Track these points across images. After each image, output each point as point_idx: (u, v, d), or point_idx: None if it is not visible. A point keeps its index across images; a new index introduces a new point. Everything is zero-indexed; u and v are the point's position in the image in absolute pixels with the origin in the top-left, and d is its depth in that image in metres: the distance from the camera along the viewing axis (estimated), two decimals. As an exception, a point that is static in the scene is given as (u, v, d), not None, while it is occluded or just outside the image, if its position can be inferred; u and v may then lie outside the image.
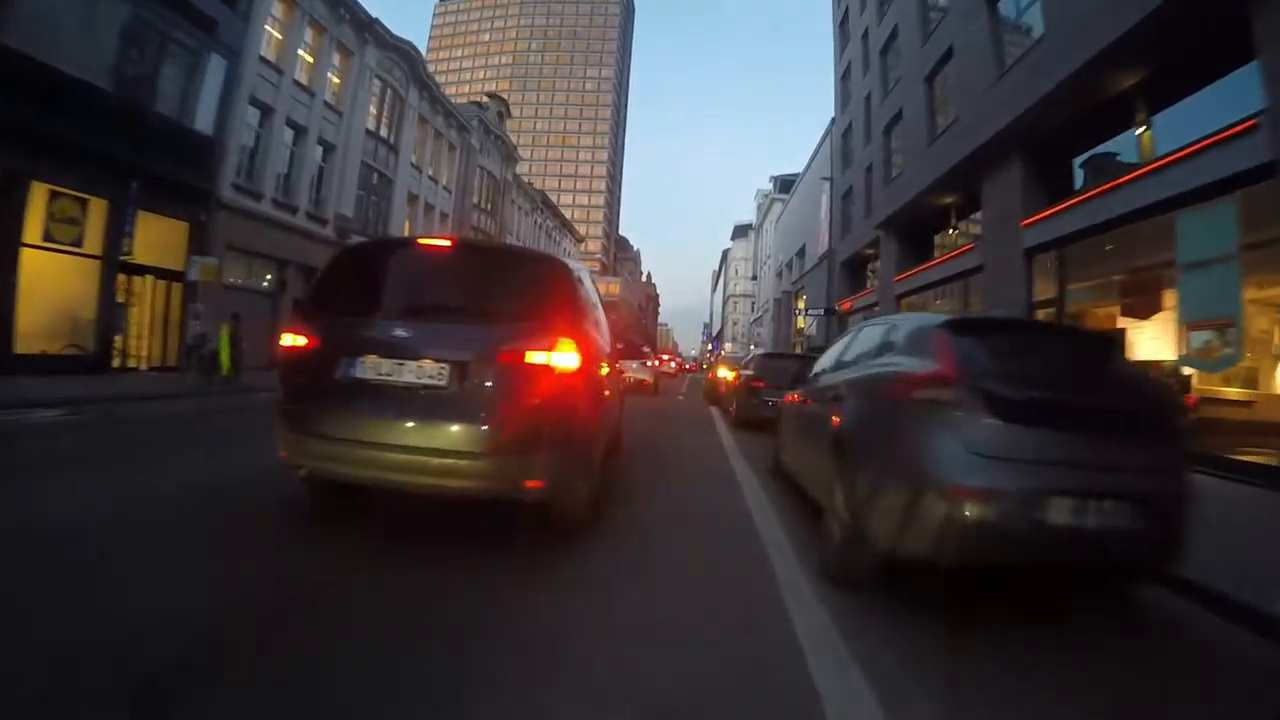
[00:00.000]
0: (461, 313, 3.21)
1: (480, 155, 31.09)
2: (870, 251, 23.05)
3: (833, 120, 30.61)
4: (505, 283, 3.36)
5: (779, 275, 45.55)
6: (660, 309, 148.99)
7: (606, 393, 4.19)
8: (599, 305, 4.82)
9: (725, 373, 15.15)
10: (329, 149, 20.71)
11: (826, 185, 28.09)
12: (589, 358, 3.32)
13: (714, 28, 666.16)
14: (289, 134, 19.05)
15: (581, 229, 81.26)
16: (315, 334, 3.19)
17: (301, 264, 18.98)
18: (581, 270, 4.48)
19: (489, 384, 2.96)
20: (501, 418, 2.91)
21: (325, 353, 3.10)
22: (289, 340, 3.24)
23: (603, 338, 4.32)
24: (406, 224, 25.51)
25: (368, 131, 22.26)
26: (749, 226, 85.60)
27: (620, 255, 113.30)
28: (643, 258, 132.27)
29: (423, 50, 26.31)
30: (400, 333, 3.03)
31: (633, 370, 18.12)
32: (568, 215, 58.23)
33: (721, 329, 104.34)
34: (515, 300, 3.25)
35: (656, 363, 26.61)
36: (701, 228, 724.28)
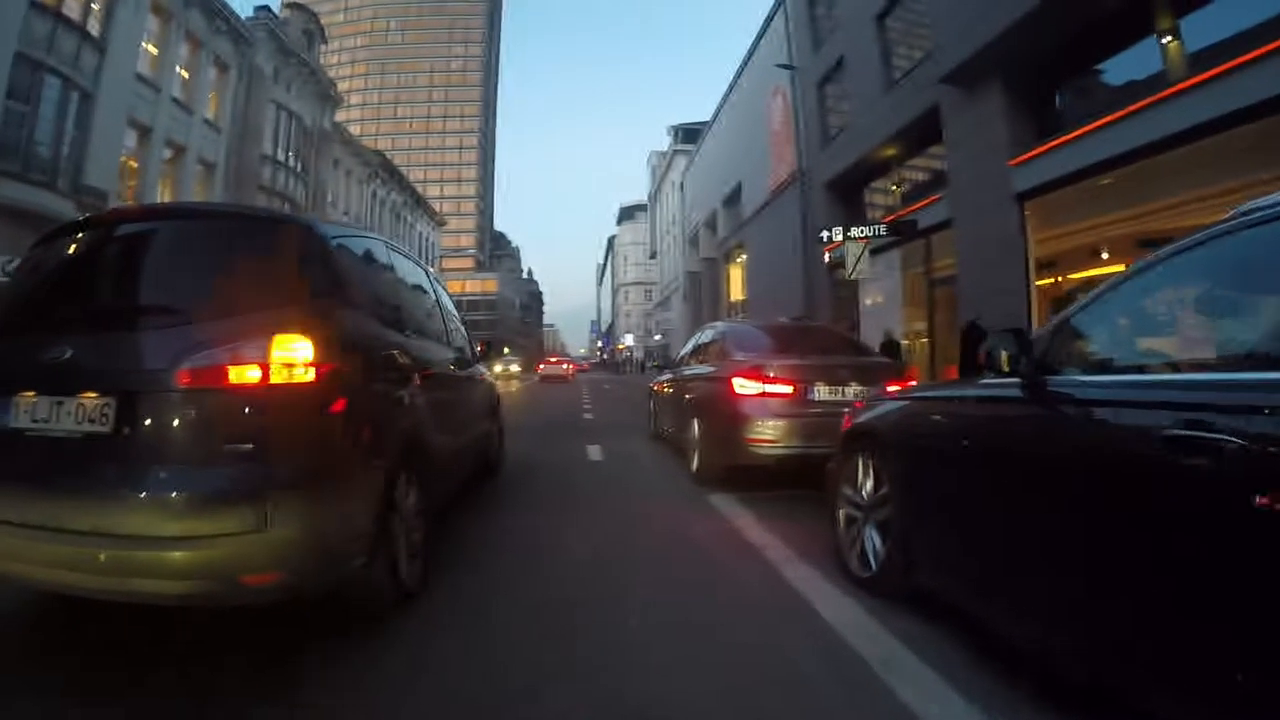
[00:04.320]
0: (137, 314, 2.19)
1: (274, 85, 22.68)
2: (891, 151, 15.39)
3: (780, -9, 22.25)
4: (210, 266, 2.24)
5: (691, 242, 38.20)
6: (545, 310, 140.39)
7: (420, 403, 2.98)
8: (421, 286, 3.81)
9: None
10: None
11: (778, 88, 21.32)
12: (350, 361, 2.26)
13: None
14: None
15: (453, 221, 72.11)
16: None
17: None
18: (350, 233, 2.99)
19: (171, 423, 1.98)
20: (188, 476, 1.92)
21: None
22: None
23: (415, 331, 3.26)
24: (130, 167, 16.97)
25: (32, 4, 13.75)
26: (637, 207, 79.48)
27: (497, 251, 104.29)
28: (523, 255, 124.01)
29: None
30: (62, 355, 2.03)
31: (554, 370, 33.60)
32: (436, 208, 48.87)
33: (613, 324, 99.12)
34: (222, 289, 2.15)
35: (569, 366, 32.89)
36: (584, 223, 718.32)
